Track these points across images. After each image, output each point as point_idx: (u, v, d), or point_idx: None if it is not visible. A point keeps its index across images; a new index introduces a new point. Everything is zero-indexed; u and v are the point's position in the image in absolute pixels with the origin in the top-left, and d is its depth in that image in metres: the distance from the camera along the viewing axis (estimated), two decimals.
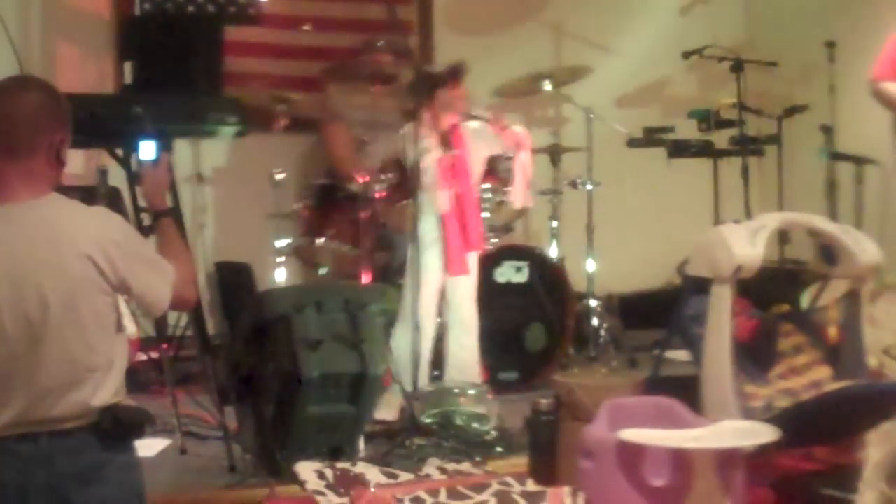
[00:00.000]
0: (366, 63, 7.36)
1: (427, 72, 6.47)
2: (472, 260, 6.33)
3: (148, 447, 4.94)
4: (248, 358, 5.19)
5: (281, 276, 6.81)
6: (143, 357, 6.29)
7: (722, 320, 5.10)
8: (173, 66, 6.36)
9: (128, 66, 6.43)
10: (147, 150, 4.25)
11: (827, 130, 7.37)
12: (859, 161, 7.07)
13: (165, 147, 4.44)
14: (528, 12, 8.43)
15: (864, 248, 5.28)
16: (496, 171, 6.98)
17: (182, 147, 6.31)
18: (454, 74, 6.32)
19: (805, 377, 5.25)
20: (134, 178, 5.04)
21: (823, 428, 4.82)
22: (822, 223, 5.49)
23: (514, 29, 8.38)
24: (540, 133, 7.52)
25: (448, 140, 6.30)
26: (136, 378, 5.16)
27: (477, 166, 6.48)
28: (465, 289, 6.30)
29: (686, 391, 4.75)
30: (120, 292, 3.39)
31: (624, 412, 4.43)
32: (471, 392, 5.79)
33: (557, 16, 8.43)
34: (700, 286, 5.23)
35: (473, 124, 6.47)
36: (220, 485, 4.93)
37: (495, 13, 8.41)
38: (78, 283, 3.26)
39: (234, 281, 6.83)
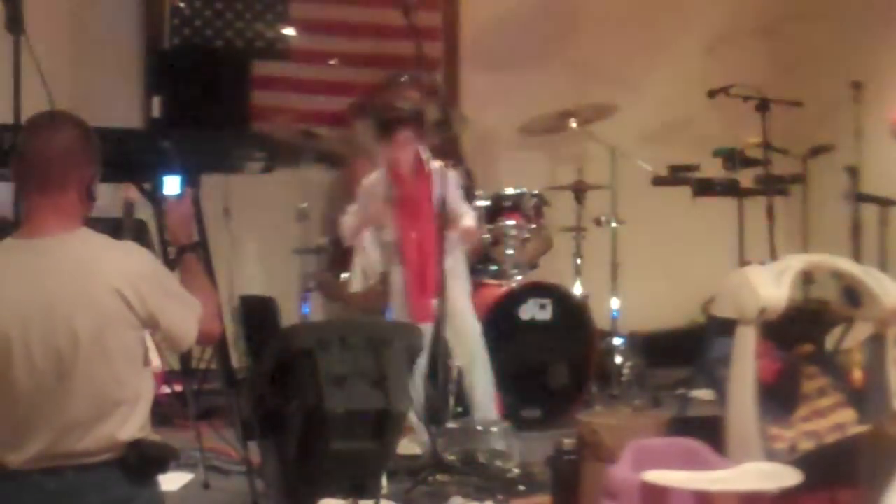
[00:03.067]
0: (392, 98, 7.40)
1: (390, 109, 6.47)
2: (463, 302, 6.30)
3: (171, 481, 4.96)
4: (271, 393, 5.18)
5: (306, 311, 6.83)
6: (167, 390, 6.30)
7: (746, 362, 5.09)
8: (201, 100, 6.41)
9: (156, 100, 6.48)
10: (172, 184, 4.28)
11: (852, 171, 7.35)
12: (884, 202, 7.06)
13: (192, 182, 4.47)
14: (552, 50, 8.44)
15: (888, 290, 5.26)
16: (521, 207, 7.01)
17: (209, 181, 6.33)
18: (403, 120, 6.27)
19: (829, 420, 5.22)
20: (160, 213, 5.07)
21: (847, 471, 4.80)
22: (846, 265, 5.48)
23: (539, 66, 8.41)
24: (564, 170, 7.54)
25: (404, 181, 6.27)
26: (160, 411, 5.15)
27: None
28: (465, 328, 6.26)
29: (710, 432, 4.73)
30: (148, 327, 3.42)
31: (648, 453, 4.42)
32: (494, 430, 5.79)
33: (581, 53, 8.45)
34: (725, 327, 5.22)
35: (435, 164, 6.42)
36: None
37: (520, 50, 8.43)
38: (107, 318, 3.29)
39: (259, 315, 6.85)
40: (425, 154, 6.26)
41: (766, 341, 5.21)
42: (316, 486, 4.92)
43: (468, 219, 6.26)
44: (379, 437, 5.11)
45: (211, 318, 3.65)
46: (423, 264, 6.18)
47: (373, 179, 6.29)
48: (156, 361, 5.23)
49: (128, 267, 3.37)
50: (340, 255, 6.90)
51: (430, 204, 6.16)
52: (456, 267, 6.25)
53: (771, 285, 5.07)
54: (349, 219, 6.29)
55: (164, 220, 4.29)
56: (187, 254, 3.96)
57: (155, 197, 5.16)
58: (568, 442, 4.97)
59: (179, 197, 4.24)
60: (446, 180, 6.17)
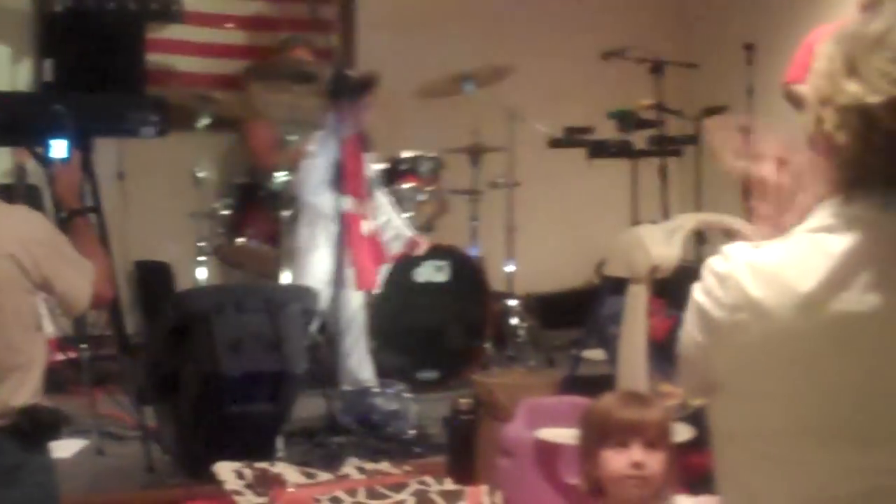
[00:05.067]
0: (288, 61, 7.37)
1: (346, 76, 6.48)
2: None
3: (64, 448, 4.93)
4: (167, 357, 5.18)
5: (201, 275, 6.80)
6: (60, 357, 6.24)
7: (637, 320, 5.15)
8: (94, 63, 6.32)
9: (48, 64, 6.39)
10: (59, 148, 4.21)
11: (745, 132, 7.42)
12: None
13: (85, 146, 4.43)
14: (451, 11, 8.45)
15: None
16: (417, 170, 7.03)
17: (103, 145, 6.27)
18: (368, 84, 6.31)
19: None
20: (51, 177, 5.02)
21: None
22: (738, 224, 5.56)
23: (438, 28, 8.41)
24: (461, 133, 7.55)
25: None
26: (53, 378, 5.12)
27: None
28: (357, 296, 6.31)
29: (603, 390, 4.79)
30: (42, 291, 3.40)
31: (542, 412, 4.49)
32: (389, 391, 5.82)
33: (481, 15, 8.46)
34: (617, 286, 5.28)
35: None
36: (137, 486, 4.92)
37: (419, 12, 8.42)
38: (1, 283, 3.26)
39: (153, 279, 6.82)
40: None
41: (657, 299, 5.29)
42: (212, 449, 4.92)
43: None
44: (275, 400, 5.14)
45: (103, 282, 3.65)
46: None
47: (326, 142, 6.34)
48: (49, 328, 5.22)
49: (22, 232, 3.36)
50: (236, 220, 6.88)
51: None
52: None
53: (662, 244, 5.13)
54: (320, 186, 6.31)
55: (51, 184, 4.25)
56: (77, 218, 3.93)
57: (47, 161, 5.12)
58: (463, 402, 5.02)
59: (67, 161, 4.19)
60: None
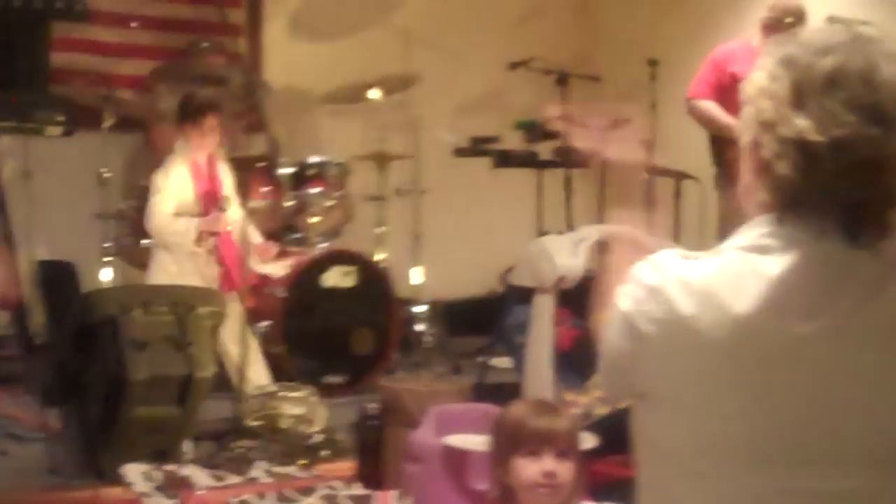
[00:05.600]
0: (195, 64, 7.35)
1: (195, 95, 6.49)
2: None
3: None
4: (73, 358, 5.14)
5: (107, 276, 6.75)
6: None
7: (543, 329, 5.23)
8: None
9: None
10: None
11: (647, 145, 7.51)
12: (677, 176, 7.28)
13: None
14: (364, 17, 8.47)
15: None
16: (324, 175, 7.04)
17: (8, 143, 6.21)
18: (211, 107, 6.33)
19: None
20: None
21: None
22: (642, 235, 5.65)
23: (348, 34, 8.41)
24: (370, 140, 7.58)
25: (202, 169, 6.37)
26: None
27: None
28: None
29: (510, 398, 4.84)
30: None
31: (450, 418, 4.52)
32: (296, 395, 5.81)
33: (393, 21, 8.48)
34: (523, 296, 5.34)
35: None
36: (40, 487, 4.88)
37: (320, 18, 8.42)
38: None
39: (57, 280, 6.75)
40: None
41: (563, 309, 5.36)
42: (119, 451, 4.90)
43: (253, 231, 6.42)
44: (182, 403, 5.12)
45: (7, 282, 3.62)
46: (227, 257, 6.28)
47: (173, 169, 6.30)
48: None
49: None
50: (141, 221, 6.83)
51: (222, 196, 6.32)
52: None
53: (568, 254, 5.21)
54: (165, 218, 6.27)
55: None
56: None
57: None
58: (372, 407, 5.05)
59: None
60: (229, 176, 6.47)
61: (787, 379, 1.90)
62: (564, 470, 3.13)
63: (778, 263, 1.91)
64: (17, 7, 6.77)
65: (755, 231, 1.96)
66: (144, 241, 6.69)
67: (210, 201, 6.28)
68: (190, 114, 6.28)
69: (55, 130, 5.36)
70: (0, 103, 5.17)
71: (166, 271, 6.22)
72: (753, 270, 1.91)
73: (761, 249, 1.92)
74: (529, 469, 3.12)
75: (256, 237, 6.47)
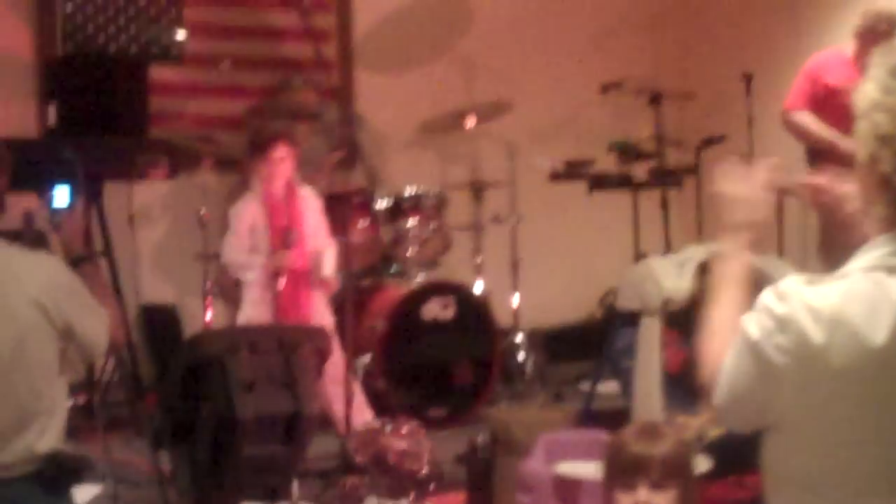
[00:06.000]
0: (288, 101, 7.38)
1: (259, 129, 6.47)
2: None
3: (79, 494, 4.89)
4: (182, 401, 5.17)
5: (210, 317, 6.78)
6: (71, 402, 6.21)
7: (651, 352, 5.17)
8: (97, 107, 6.33)
9: (51, 109, 6.40)
10: (61, 196, 4.17)
11: (744, 161, 7.41)
12: (779, 192, 7.17)
13: (96, 190, 4.42)
14: (445, 48, 8.48)
15: (785, 277, 5.36)
16: (420, 206, 7.04)
17: (111, 189, 6.27)
18: (278, 137, 6.27)
19: None
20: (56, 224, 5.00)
21: (754, 455, 4.88)
22: (747, 255, 5.57)
23: (432, 65, 8.42)
24: (459, 168, 7.59)
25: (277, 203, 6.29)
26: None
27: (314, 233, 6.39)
28: None
29: (619, 424, 4.80)
30: (64, 336, 3.40)
31: (560, 446, 4.48)
32: (403, 430, 5.80)
33: (474, 51, 8.48)
34: (629, 319, 5.29)
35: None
36: None
37: (414, 49, 8.45)
38: (27, 329, 3.28)
39: (162, 323, 6.80)
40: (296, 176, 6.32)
41: (671, 331, 5.30)
42: (230, 492, 4.91)
43: (327, 263, 6.28)
44: (290, 441, 5.13)
45: (116, 327, 3.65)
46: (297, 288, 6.21)
47: (244, 205, 6.30)
48: None
49: (45, 278, 3.37)
50: None
51: (302, 228, 6.24)
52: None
53: (674, 276, 5.16)
54: (233, 254, 6.26)
55: (55, 232, 4.19)
56: (85, 263, 3.90)
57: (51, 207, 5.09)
58: (480, 438, 5.01)
59: (71, 207, 4.16)
60: (313, 206, 6.35)
61: None
62: (661, 501, 3.06)
63: None
64: (114, 53, 6.87)
65: (880, 250, 1.90)
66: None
67: (280, 236, 6.23)
68: (257, 146, 6.23)
69: (158, 174, 5.39)
70: (103, 150, 5.21)
71: (252, 307, 6.19)
72: (883, 294, 1.85)
73: (889, 269, 1.87)
74: (623, 502, 3.06)
75: (327, 269, 6.37)
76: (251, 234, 6.23)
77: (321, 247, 6.27)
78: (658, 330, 5.13)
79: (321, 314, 6.22)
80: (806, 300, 1.90)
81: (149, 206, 6.97)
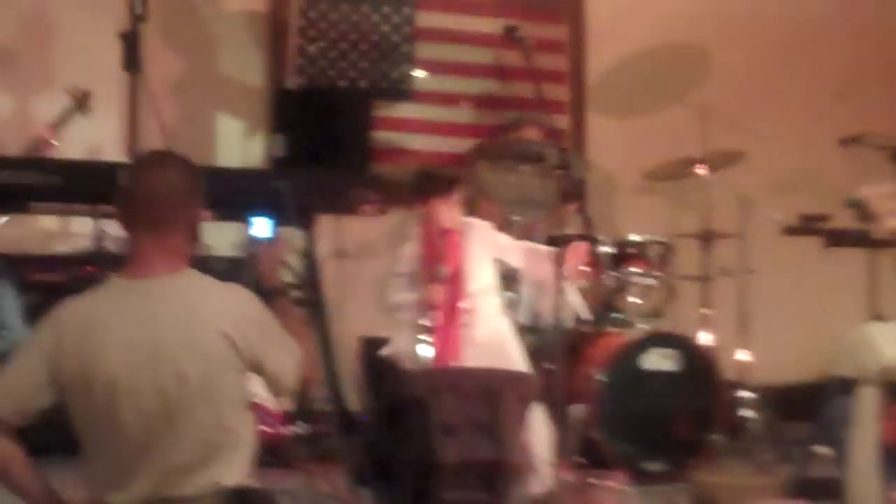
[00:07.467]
0: (515, 141, 7.34)
1: (426, 173, 6.35)
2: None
3: None
4: (384, 439, 5.16)
5: (423, 353, 6.75)
6: (285, 431, 6.27)
7: (867, 424, 4.93)
8: (323, 140, 6.41)
9: (279, 140, 6.50)
10: (261, 227, 4.19)
11: None
12: None
13: (307, 222, 4.42)
14: (678, 95, 8.34)
15: None
16: (646, 254, 6.91)
17: (324, 222, 6.33)
18: (447, 185, 6.13)
19: None
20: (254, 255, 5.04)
21: None
22: None
23: (664, 111, 8.31)
24: (687, 217, 7.43)
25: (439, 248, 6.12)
26: (276, 452, 5.18)
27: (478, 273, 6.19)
28: None
29: (831, 495, 4.59)
30: (252, 371, 3.40)
31: None
32: (607, 483, 5.68)
33: (708, 99, 8.31)
34: (847, 386, 5.06)
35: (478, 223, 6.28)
36: None
37: (646, 95, 8.35)
38: (214, 362, 3.28)
39: (376, 357, 6.80)
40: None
41: (892, 404, 5.04)
42: None
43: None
44: (491, 488, 5.05)
45: (306, 362, 3.62)
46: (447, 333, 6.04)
47: (408, 254, 6.19)
48: (273, 401, 5.24)
49: (234, 310, 3.36)
50: None
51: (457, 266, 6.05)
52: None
53: (895, 343, 4.90)
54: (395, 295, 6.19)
55: (254, 263, 4.21)
56: (279, 297, 3.88)
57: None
58: (682, 501, 4.86)
59: (270, 239, 4.17)
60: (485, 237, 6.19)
61: None
62: None
63: None
64: (344, 88, 6.94)
65: None
66: None
67: (431, 271, 6.11)
68: (420, 190, 6.10)
69: (370, 210, 5.40)
70: (318, 183, 5.24)
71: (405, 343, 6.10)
72: None
73: None
74: None
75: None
76: (410, 276, 6.14)
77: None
78: (876, 400, 4.87)
79: (510, 358, 6.03)
80: None
81: (362, 239, 7.01)
